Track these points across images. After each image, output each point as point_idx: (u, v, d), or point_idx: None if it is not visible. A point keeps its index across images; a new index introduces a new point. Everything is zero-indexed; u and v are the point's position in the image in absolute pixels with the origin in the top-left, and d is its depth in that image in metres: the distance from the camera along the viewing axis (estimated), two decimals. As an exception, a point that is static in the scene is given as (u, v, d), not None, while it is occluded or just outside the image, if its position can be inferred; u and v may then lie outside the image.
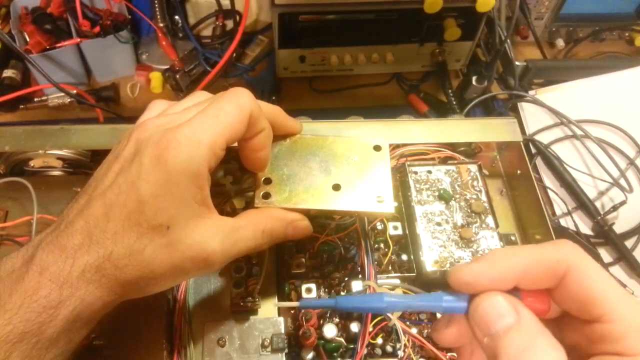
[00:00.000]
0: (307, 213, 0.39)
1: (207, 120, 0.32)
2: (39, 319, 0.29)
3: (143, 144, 0.31)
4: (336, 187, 0.39)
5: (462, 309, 0.26)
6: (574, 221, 0.63)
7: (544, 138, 0.68)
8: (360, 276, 0.43)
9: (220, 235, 0.33)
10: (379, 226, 0.47)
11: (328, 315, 0.42)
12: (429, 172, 0.49)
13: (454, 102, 0.70)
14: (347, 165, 0.41)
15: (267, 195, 0.38)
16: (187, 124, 0.32)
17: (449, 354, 0.41)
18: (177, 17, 0.75)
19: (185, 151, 0.30)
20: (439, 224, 0.46)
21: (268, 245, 0.37)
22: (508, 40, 0.67)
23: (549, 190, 0.65)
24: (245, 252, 0.35)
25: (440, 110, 0.71)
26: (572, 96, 0.72)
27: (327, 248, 0.44)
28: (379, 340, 0.41)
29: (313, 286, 0.42)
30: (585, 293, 0.25)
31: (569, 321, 0.27)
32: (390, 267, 0.45)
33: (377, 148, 0.42)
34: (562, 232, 0.62)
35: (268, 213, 0.37)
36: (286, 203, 0.38)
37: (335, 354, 0.41)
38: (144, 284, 0.32)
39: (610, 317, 0.25)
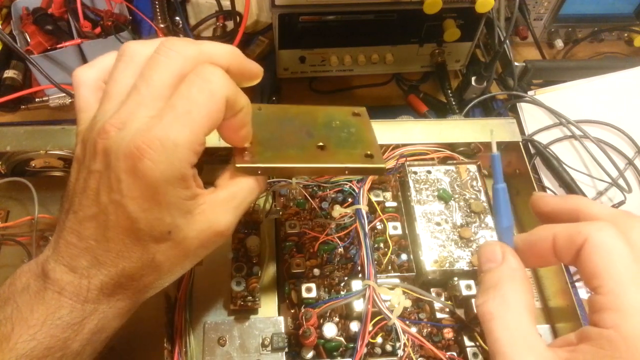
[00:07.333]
0: (292, 172, 0.36)
1: (179, 118, 0.28)
2: (64, 334, 0.29)
3: (113, 156, 0.28)
4: (321, 147, 0.36)
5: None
6: (573, 221, 0.63)
7: (543, 138, 0.69)
8: (360, 276, 0.43)
9: (221, 210, 0.32)
10: (379, 226, 0.47)
11: (328, 314, 0.42)
12: (429, 172, 0.50)
13: (454, 103, 0.71)
14: (328, 129, 0.38)
15: (247, 155, 0.35)
16: (157, 126, 0.28)
17: (448, 353, 0.42)
18: (177, 17, 0.75)
19: (162, 159, 0.27)
20: (438, 224, 0.46)
21: (265, 187, 0.36)
22: (507, 41, 0.68)
23: (548, 190, 0.66)
24: (249, 207, 0.35)
25: (440, 111, 0.72)
26: (571, 96, 0.73)
27: (327, 248, 0.45)
28: (379, 340, 0.42)
29: (313, 286, 0.43)
30: (591, 264, 0.27)
31: None
32: (390, 267, 0.46)
33: (356, 114, 0.40)
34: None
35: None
36: (269, 162, 0.35)
37: (335, 353, 0.41)
38: (163, 282, 0.33)
39: (604, 290, 0.26)
